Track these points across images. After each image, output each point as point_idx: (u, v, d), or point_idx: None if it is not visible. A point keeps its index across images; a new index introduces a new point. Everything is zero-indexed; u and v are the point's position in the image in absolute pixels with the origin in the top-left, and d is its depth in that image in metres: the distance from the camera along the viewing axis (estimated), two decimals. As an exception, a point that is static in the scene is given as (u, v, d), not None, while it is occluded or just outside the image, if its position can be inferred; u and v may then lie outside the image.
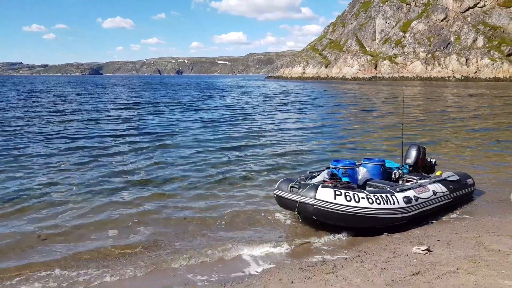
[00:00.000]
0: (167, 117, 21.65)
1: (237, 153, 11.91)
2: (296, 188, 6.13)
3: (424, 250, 5.15)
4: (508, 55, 60.49)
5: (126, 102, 33.14)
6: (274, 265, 5.00)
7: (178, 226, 6.35)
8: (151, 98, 39.05)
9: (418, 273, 4.47)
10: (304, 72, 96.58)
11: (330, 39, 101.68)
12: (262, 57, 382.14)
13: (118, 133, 15.67)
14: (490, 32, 64.38)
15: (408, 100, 32.75)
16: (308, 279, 4.47)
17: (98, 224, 6.43)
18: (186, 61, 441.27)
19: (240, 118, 21.56)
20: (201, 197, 7.81)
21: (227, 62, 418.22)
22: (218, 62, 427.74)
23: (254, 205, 7.31)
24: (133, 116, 22.28)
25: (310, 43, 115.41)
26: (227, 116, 22.52)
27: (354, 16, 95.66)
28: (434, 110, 25.79)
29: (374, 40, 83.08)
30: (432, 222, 6.62)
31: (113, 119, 20.66)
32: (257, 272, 4.86)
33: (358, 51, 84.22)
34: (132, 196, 7.78)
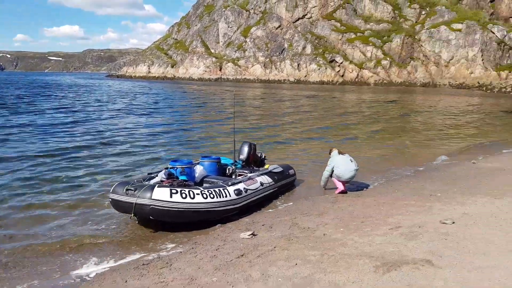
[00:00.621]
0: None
1: (74, 158, 11.32)
2: (132, 190, 6.22)
3: (250, 235, 5.83)
4: (330, 61, 69.34)
5: None
6: (108, 269, 5.03)
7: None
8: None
9: (242, 255, 5.05)
10: (149, 72, 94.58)
11: (176, 39, 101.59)
12: (102, 54, 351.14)
13: None
14: (316, 41, 72.80)
15: (250, 100, 34.98)
16: (142, 276, 4.61)
17: None
18: (9, 56, 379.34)
19: (79, 121, 20.23)
20: (28, 208, 7.33)
21: (60, 58, 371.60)
22: (49, 58, 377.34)
23: (88, 210, 7.20)
24: None
25: (155, 42, 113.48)
26: (62, 118, 20.87)
27: (198, 18, 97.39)
28: (271, 109, 28.20)
29: (218, 42, 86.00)
30: (260, 210, 7.48)
31: None
32: (90, 277, 4.85)
33: (204, 53, 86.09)
34: None
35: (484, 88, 53.82)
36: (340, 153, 8.40)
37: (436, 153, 12.60)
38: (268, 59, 74.72)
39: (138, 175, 8.61)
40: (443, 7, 67.62)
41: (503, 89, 48.55)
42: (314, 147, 13.87)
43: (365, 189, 8.66)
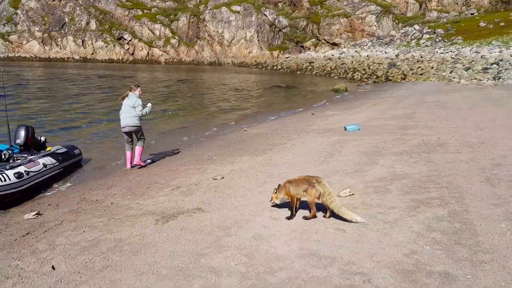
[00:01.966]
0: None
1: None
2: None
3: (35, 214, 5.77)
4: (119, 38, 66.89)
5: None
6: None
7: None
8: None
9: (28, 233, 5.05)
10: None
11: None
12: None
13: None
14: (101, 16, 68.89)
15: (30, 82, 31.21)
16: None
17: None
18: None
19: None
20: None
21: None
22: None
23: None
24: None
25: None
26: None
27: None
28: (56, 90, 25.96)
29: (-21, 13, 72.40)
30: (46, 191, 7.34)
31: None
32: None
33: (-41, 25, 71.27)
34: None
35: (260, 66, 60.73)
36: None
37: (218, 123, 14.18)
38: (46, 35, 67.08)
39: None
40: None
41: (275, 67, 55.69)
42: (102, 127, 13.84)
43: (153, 160, 9.29)
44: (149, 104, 8.62)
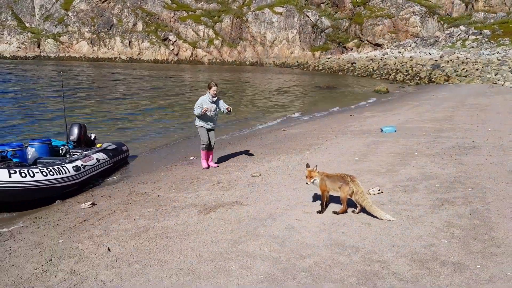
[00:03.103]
0: None
1: None
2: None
3: (90, 204, 6.45)
4: (164, 39, 69.07)
5: None
6: None
7: None
8: None
9: (85, 220, 5.70)
10: None
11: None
12: None
13: None
14: (148, 18, 71.37)
15: (79, 80, 33.05)
16: (-14, 250, 4.91)
17: None
18: None
19: None
20: None
21: None
22: None
23: None
24: None
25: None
26: None
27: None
28: (105, 89, 27.41)
29: (34, 15, 76.81)
30: (99, 183, 8.09)
31: None
32: None
33: (16, 27, 75.91)
34: None
35: (302, 66, 60.91)
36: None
37: (258, 122, 14.66)
38: (95, 36, 70.28)
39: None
40: (266, -9, 73.32)
41: (316, 68, 55.77)
42: (147, 125, 14.64)
43: (197, 157, 9.88)
44: (201, 110, 8.02)
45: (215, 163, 8.75)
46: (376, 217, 4.87)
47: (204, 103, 8.06)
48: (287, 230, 4.73)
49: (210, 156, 8.65)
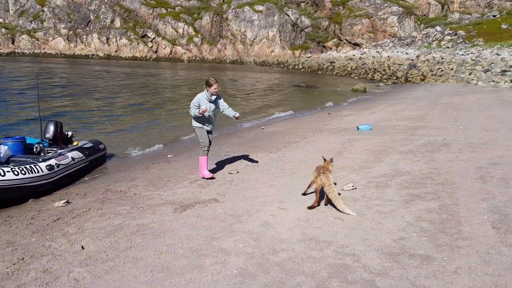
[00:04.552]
0: None
1: None
2: None
3: (64, 203, 6.36)
4: (142, 36, 68.29)
5: None
6: None
7: None
8: None
9: (59, 219, 5.62)
10: None
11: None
12: None
13: None
14: (126, 14, 70.41)
15: (57, 79, 32.40)
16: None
17: None
18: None
19: None
20: None
21: None
22: None
23: None
24: None
25: None
26: None
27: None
28: (80, 86, 26.95)
29: (8, 11, 74.82)
30: (74, 182, 7.95)
31: None
32: None
33: (-9, 22, 73.73)
34: None
35: (282, 65, 61.13)
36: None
37: (236, 121, 14.64)
38: (72, 32, 68.97)
39: None
40: (245, -11, 73.26)
41: (296, 66, 56.04)
42: (125, 124, 14.50)
43: (174, 155, 9.85)
44: (199, 110, 6.98)
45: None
46: (338, 209, 5.06)
47: (201, 102, 7.02)
48: (263, 226, 4.79)
49: None
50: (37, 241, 4.79)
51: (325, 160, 5.76)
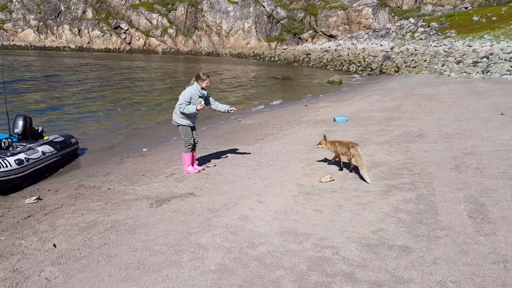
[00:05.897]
0: None
1: None
2: None
3: (35, 199, 6.14)
4: (115, 27, 66.79)
5: None
6: None
7: None
8: None
9: (29, 216, 5.42)
10: None
11: None
12: None
13: None
14: (98, 5, 68.66)
15: (26, 72, 31.38)
16: None
17: None
18: None
19: None
20: None
21: None
22: None
23: None
24: None
25: None
26: None
27: None
28: (52, 80, 26.18)
29: (-27, 1, 71.84)
30: (45, 177, 7.69)
31: None
32: None
33: (-46, 13, 70.73)
34: None
35: (258, 57, 60.94)
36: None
37: (213, 114, 14.50)
38: (42, 23, 66.85)
39: None
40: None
41: (272, 58, 55.96)
42: (98, 117, 14.15)
43: (149, 149, 9.66)
44: (196, 107, 6.64)
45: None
46: (362, 178, 5.83)
47: (193, 97, 6.63)
48: (241, 219, 4.72)
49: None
50: (7, 240, 4.60)
51: (325, 137, 6.77)
